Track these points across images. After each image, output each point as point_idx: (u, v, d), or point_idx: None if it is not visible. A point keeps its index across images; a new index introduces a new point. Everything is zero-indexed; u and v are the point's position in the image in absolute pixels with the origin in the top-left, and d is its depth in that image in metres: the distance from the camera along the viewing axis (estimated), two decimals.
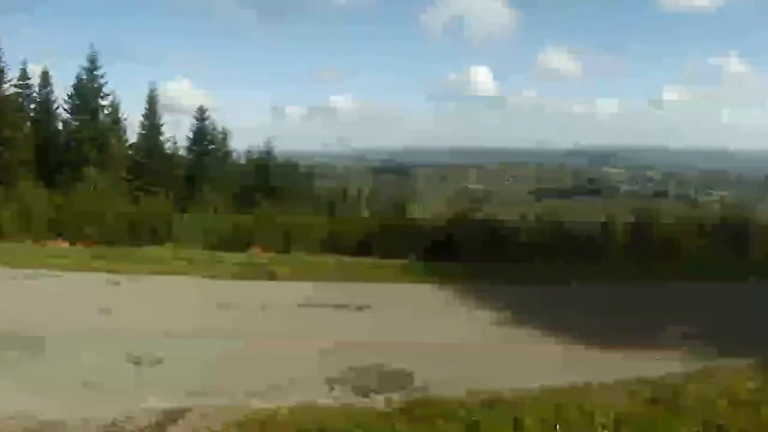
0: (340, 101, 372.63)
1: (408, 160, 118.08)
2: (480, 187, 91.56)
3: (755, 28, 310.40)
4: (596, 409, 4.40)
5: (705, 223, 19.98)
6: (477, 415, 4.29)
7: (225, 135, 44.43)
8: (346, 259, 12.11)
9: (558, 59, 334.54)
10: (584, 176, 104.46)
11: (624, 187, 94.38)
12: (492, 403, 4.57)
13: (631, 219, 21.82)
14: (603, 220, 22.30)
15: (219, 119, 66.94)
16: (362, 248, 14.54)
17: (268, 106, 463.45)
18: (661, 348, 6.55)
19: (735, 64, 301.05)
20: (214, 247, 13.81)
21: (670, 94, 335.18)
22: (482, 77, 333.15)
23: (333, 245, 15.01)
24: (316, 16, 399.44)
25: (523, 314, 7.95)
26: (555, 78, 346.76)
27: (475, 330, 7.34)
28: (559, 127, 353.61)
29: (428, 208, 33.89)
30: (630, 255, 14.87)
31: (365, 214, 38.82)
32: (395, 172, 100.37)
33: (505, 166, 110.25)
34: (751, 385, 5.16)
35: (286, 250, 13.92)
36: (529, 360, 6.21)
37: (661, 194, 74.35)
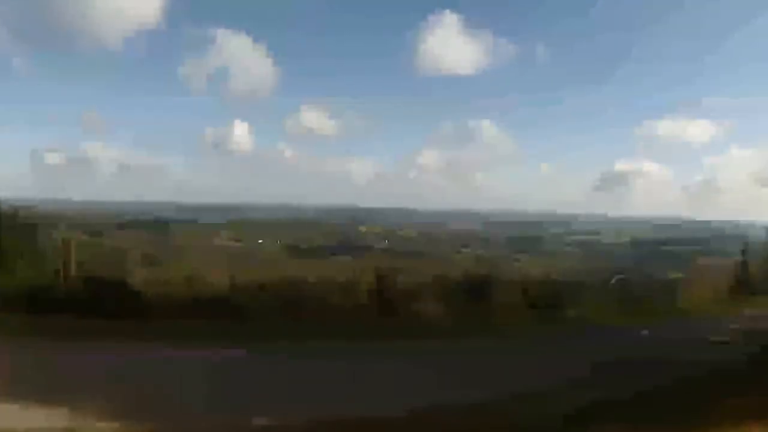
0: (103, 150, 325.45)
1: (164, 216, 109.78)
2: (235, 243, 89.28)
3: (509, 94, 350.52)
4: None
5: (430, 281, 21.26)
6: None
7: None
8: None
9: (316, 118, 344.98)
10: (339, 235, 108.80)
11: (378, 246, 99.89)
12: None
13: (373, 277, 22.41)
14: (350, 278, 22.64)
15: None
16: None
17: (23, 149, 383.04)
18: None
19: (488, 128, 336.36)
20: None
21: (425, 157, 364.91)
22: (242, 133, 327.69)
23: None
24: (86, 58, 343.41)
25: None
26: (312, 136, 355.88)
27: None
28: (315, 186, 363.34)
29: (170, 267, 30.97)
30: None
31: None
32: (147, 228, 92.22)
33: (260, 223, 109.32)
34: None
35: None
36: None
37: (415, 253, 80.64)
